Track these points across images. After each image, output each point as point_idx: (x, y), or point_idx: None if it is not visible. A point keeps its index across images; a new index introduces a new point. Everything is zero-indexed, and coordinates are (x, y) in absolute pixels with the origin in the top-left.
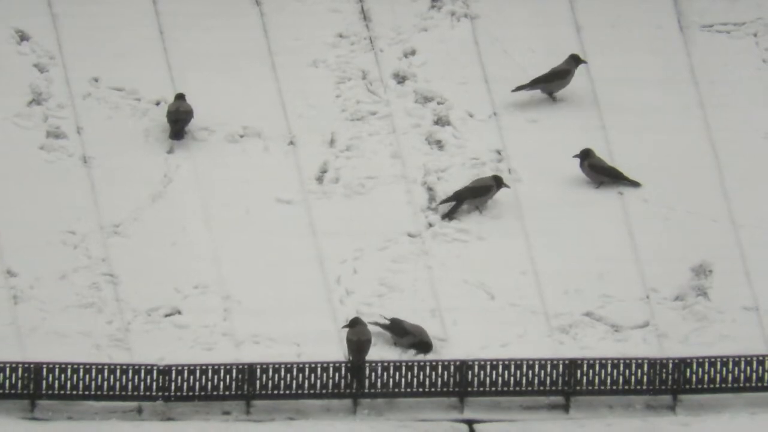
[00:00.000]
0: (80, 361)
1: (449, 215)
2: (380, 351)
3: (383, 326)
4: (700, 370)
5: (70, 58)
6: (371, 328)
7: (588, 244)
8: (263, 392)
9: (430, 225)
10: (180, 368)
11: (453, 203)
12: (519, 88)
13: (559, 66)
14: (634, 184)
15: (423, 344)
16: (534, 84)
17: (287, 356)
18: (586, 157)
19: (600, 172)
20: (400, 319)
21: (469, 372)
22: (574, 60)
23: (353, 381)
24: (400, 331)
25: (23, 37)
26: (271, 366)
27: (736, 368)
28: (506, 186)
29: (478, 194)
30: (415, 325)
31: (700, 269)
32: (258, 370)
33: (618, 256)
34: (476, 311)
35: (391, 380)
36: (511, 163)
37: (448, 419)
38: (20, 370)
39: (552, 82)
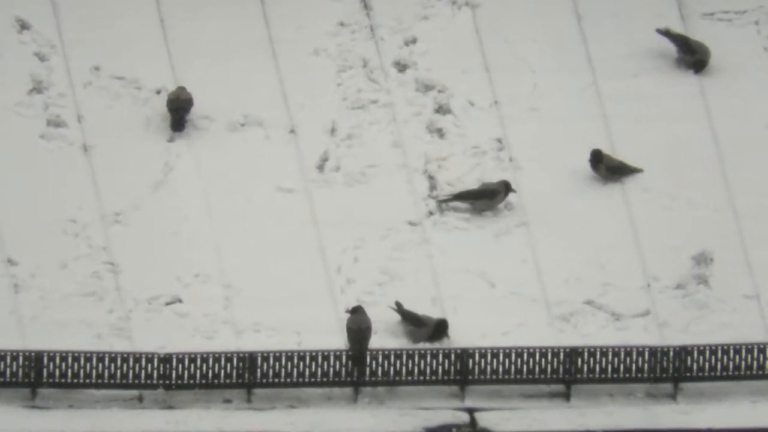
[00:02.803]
0: (81, 350)
1: (445, 201)
2: (381, 339)
3: (400, 313)
4: (701, 358)
5: (70, 47)
6: (373, 315)
7: (589, 232)
8: (264, 380)
9: (431, 213)
10: (181, 356)
11: (452, 196)
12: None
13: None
14: (637, 170)
15: (441, 326)
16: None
17: (288, 345)
18: (600, 159)
19: (616, 172)
20: (411, 311)
21: (470, 360)
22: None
23: (354, 369)
24: (416, 322)
25: (24, 26)
26: (271, 354)
27: (737, 356)
28: (513, 191)
29: (484, 197)
30: (427, 316)
31: (701, 258)
32: (259, 359)
33: (619, 244)
34: (477, 299)
35: (391, 368)
36: (512, 151)
37: (448, 407)
38: (21, 359)
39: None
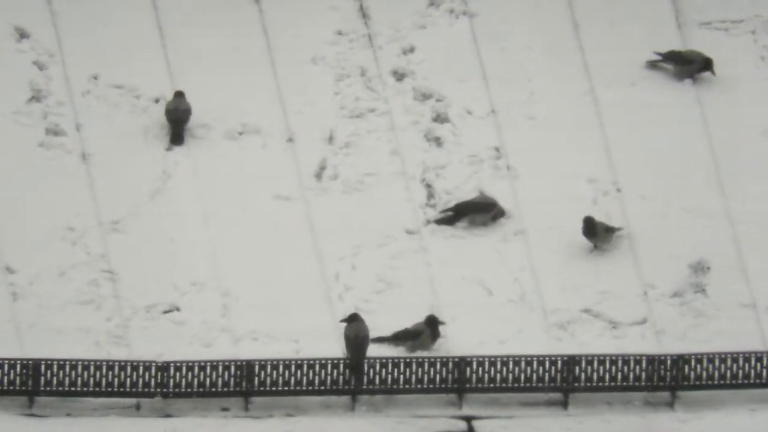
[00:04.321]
0: (79, 358)
1: (441, 222)
2: (379, 347)
3: (389, 340)
4: (698, 366)
5: (69, 56)
6: (371, 323)
7: (585, 240)
8: (262, 389)
9: (429, 221)
10: (178, 365)
11: (451, 214)
12: (652, 63)
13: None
14: (619, 229)
15: (433, 324)
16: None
17: (285, 353)
18: (594, 225)
19: (610, 232)
20: (400, 329)
21: (468, 368)
22: None
23: (351, 377)
24: (409, 335)
25: (23, 35)
26: (269, 362)
27: (734, 365)
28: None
29: (480, 210)
30: (417, 324)
31: (698, 266)
32: (256, 367)
33: (615, 252)
34: (474, 307)
35: (389, 377)
36: (509, 159)
37: (446, 416)
38: (19, 367)
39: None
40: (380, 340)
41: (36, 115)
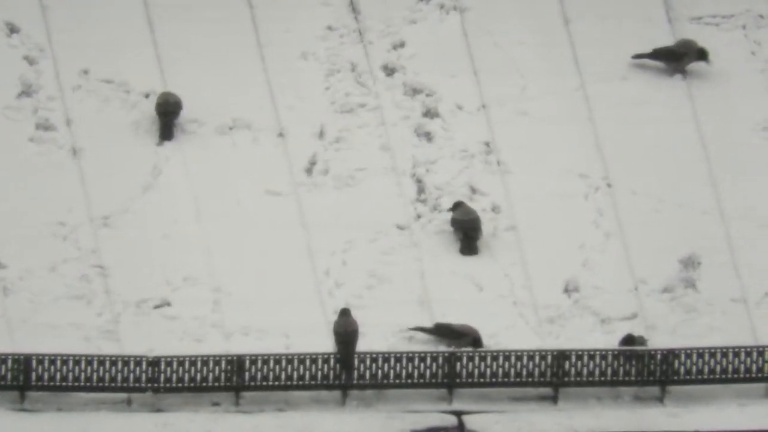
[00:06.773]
0: (70, 353)
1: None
2: (369, 342)
3: (429, 331)
4: (689, 361)
5: (59, 50)
6: (361, 318)
7: (576, 235)
8: (252, 383)
9: (419, 217)
10: (169, 359)
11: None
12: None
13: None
14: None
15: (476, 342)
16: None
17: (276, 348)
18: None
19: None
20: (445, 323)
21: (458, 363)
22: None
23: (342, 372)
24: (453, 334)
25: (13, 30)
26: (260, 357)
27: (725, 359)
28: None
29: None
30: (464, 325)
31: (689, 261)
32: (247, 362)
33: (607, 247)
34: (465, 303)
35: (380, 371)
36: (500, 155)
37: (436, 410)
38: (10, 362)
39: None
40: (421, 329)
41: (26, 110)
